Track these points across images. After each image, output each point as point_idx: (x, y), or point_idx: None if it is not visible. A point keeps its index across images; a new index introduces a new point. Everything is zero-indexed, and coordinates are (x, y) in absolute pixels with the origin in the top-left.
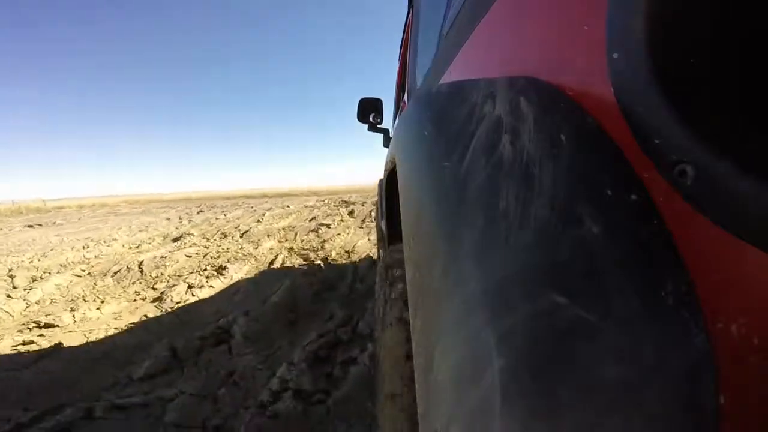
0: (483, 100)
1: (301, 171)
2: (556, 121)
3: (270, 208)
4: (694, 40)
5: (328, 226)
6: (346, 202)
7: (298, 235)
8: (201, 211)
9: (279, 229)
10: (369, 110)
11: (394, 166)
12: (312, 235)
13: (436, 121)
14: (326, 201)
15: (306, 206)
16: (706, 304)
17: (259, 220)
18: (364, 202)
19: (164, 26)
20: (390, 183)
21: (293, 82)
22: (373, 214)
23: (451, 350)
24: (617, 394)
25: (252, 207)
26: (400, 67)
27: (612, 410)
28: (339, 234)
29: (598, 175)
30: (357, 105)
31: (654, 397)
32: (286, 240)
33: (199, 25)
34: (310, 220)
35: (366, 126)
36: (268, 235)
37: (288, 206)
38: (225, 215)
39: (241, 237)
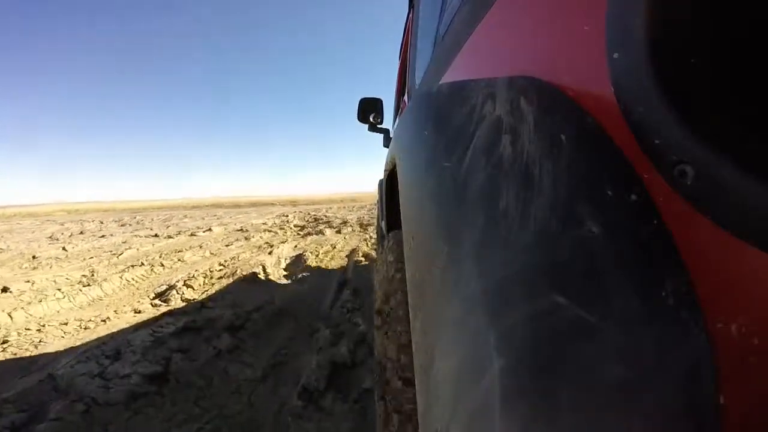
0: (483, 100)
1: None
2: (556, 121)
3: (160, 234)
4: (694, 40)
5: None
6: (316, 219)
7: None
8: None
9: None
10: (369, 110)
11: (395, 166)
12: None
13: (436, 121)
14: (283, 222)
15: (240, 230)
16: (706, 304)
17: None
18: (345, 222)
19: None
20: (390, 183)
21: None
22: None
23: (451, 350)
24: (617, 394)
25: (151, 231)
26: (400, 67)
27: (612, 410)
28: None
29: (598, 175)
30: (357, 105)
31: (654, 397)
32: None
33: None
34: (158, 298)
35: (367, 126)
36: None
37: (210, 229)
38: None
39: None
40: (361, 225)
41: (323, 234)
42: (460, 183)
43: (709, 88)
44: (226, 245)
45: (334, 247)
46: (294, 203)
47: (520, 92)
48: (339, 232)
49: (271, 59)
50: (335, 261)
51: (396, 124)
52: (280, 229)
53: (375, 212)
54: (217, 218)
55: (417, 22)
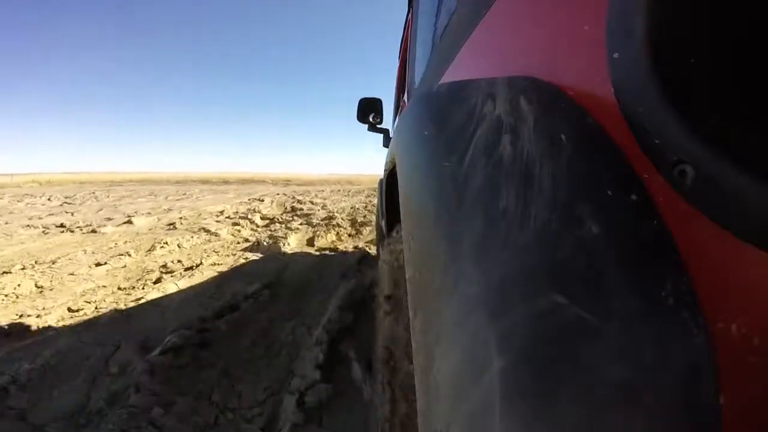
0: (483, 100)
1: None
2: (556, 121)
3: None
4: (694, 40)
5: None
6: (293, 209)
7: None
8: None
9: None
10: (369, 110)
11: (394, 166)
12: None
13: (436, 121)
14: (249, 210)
15: (172, 225)
16: (706, 304)
17: None
18: (330, 218)
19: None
20: (390, 183)
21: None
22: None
23: (451, 350)
24: (617, 394)
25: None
26: (400, 67)
27: (612, 410)
28: None
29: (598, 175)
30: (357, 105)
31: (654, 397)
32: None
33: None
34: None
35: (366, 126)
36: None
37: (130, 221)
38: None
39: None
40: (353, 223)
41: (284, 243)
42: (460, 182)
43: (709, 88)
44: (97, 264)
45: (286, 287)
46: (287, 182)
47: (520, 92)
48: (312, 242)
49: (292, 37)
50: (267, 346)
51: (396, 123)
52: (234, 225)
53: (373, 201)
54: (179, 200)
55: (416, 22)
